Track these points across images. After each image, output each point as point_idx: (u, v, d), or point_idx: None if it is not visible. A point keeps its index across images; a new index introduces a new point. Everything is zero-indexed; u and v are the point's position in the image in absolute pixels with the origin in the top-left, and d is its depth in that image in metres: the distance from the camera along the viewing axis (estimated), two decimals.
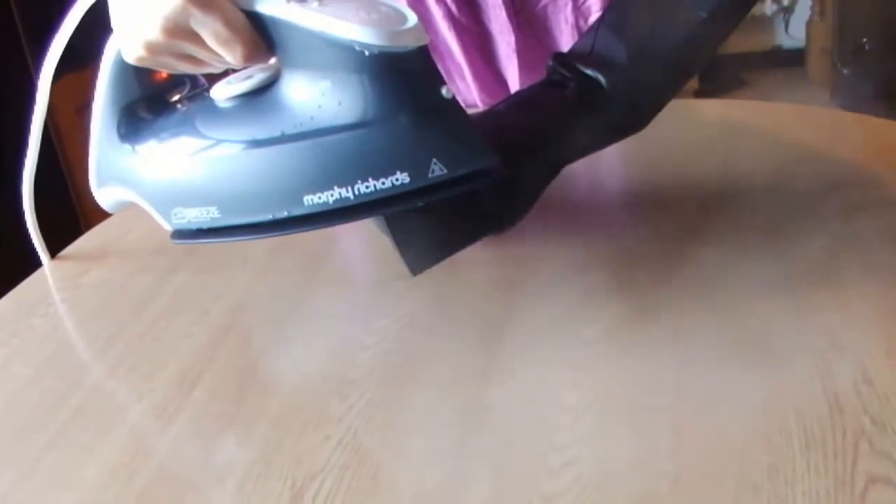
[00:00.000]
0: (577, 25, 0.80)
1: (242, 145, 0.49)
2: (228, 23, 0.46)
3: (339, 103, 0.46)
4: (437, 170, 0.46)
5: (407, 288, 0.57)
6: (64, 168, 1.65)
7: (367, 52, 0.44)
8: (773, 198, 0.64)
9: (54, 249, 0.68)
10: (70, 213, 1.64)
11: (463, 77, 0.84)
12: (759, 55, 2.42)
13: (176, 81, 0.56)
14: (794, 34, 2.47)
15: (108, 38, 0.52)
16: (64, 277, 0.66)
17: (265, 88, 0.49)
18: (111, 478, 0.45)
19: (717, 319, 0.51)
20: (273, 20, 0.46)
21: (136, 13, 0.47)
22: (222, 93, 0.51)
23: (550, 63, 0.60)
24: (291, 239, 0.51)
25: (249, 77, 0.50)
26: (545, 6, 0.81)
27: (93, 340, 0.58)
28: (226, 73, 0.52)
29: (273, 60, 0.49)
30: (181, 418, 0.49)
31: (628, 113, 0.59)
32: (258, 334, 0.56)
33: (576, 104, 0.58)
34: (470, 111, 0.54)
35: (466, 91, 0.85)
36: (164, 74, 0.55)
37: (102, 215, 0.64)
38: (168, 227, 0.53)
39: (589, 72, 0.58)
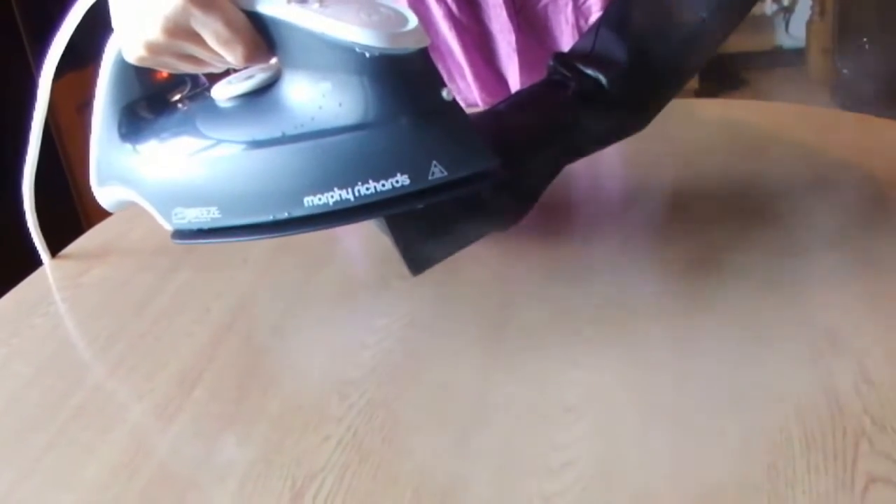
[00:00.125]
0: (577, 25, 0.80)
1: (243, 146, 0.49)
2: (229, 23, 0.46)
3: (340, 104, 0.46)
4: (437, 172, 0.46)
5: (407, 287, 0.58)
6: (65, 167, 1.64)
7: (367, 54, 0.44)
8: (773, 197, 0.64)
9: (55, 248, 0.68)
10: (71, 211, 1.64)
11: (463, 77, 0.84)
12: (759, 55, 2.42)
13: (177, 81, 0.56)
14: (794, 34, 2.47)
15: (108, 37, 0.52)
16: (64, 276, 0.66)
17: (266, 89, 0.49)
18: (112, 477, 0.45)
19: (717, 319, 0.51)
20: (274, 21, 0.46)
21: (136, 13, 0.47)
22: (223, 93, 0.51)
23: (551, 63, 0.60)
24: (292, 239, 0.51)
25: (250, 77, 0.50)
26: (546, 6, 0.81)
27: (93, 340, 0.58)
28: (226, 73, 0.52)
29: (274, 60, 0.49)
30: (182, 418, 0.49)
31: (629, 113, 0.59)
32: (259, 334, 0.56)
33: (576, 104, 0.58)
34: (470, 111, 0.54)
35: (467, 90, 0.85)
36: (164, 74, 0.55)
37: (103, 214, 0.64)
38: (168, 227, 0.53)
39: (589, 71, 0.58)
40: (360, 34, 0.44)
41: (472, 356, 0.51)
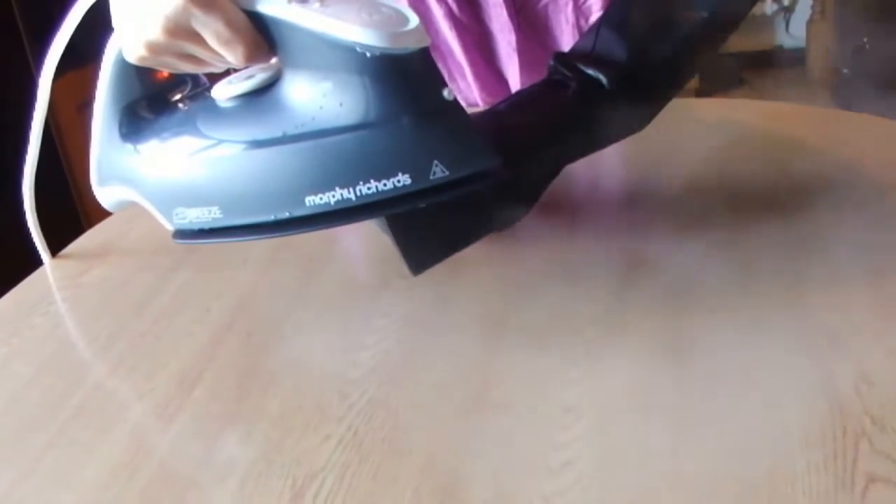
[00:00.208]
0: (577, 25, 0.80)
1: (244, 145, 0.49)
2: (230, 23, 0.46)
3: (341, 104, 0.46)
4: (438, 171, 0.46)
5: (407, 287, 0.58)
6: (65, 166, 1.64)
7: (368, 54, 0.44)
8: (774, 197, 0.64)
9: (55, 248, 0.68)
10: (71, 211, 1.64)
11: (464, 76, 0.84)
12: (759, 55, 2.43)
13: (177, 81, 0.56)
14: (794, 34, 2.47)
15: (108, 36, 0.52)
16: (65, 276, 0.66)
17: (266, 88, 0.49)
18: (112, 477, 0.45)
19: (717, 319, 0.51)
20: (274, 20, 0.46)
21: (137, 13, 0.47)
22: (223, 92, 0.51)
23: (551, 63, 0.61)
24: (292, 238, 0.51)
25: (250, 77, 0.50)
26: (546, 5, 0.81)
27: (94, 339, 0.58)
28: (227, 73, 0.52)
29: (274, 60, 0.49)
30: (182, 417, 0.49)
31: (629, 112, 0.59)
32: (259, 333, 0.56)
33: (577, 104, 0.58)
34: (470, 110, 0.54)
35: (467, 90, 0.85)
36: (165, 74, 0.55)
37: (103, 214, 0.64)
38: (170, 227, 0.53)
39: (590, 71, 0.58)
40: (361, 34, 0.44)
41: (472, 356, 0.51)
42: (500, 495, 0.41)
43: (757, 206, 0.63)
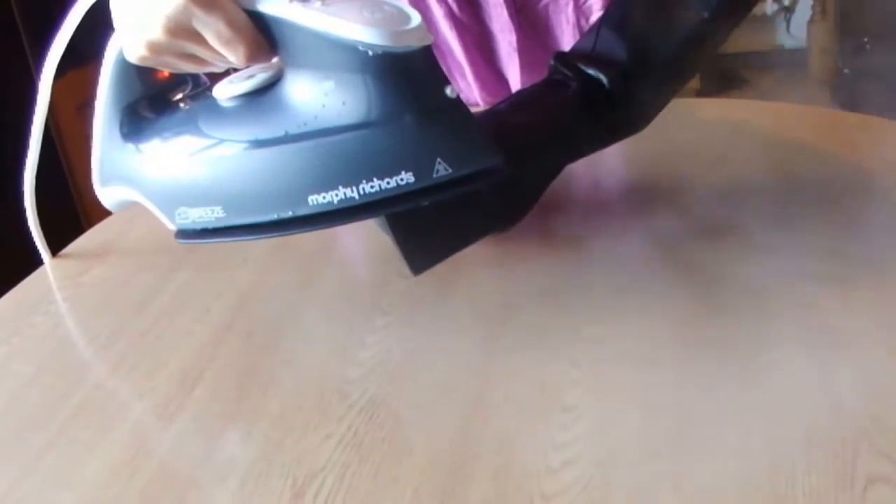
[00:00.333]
0: (578, 25, 0.80)
1: (246, 145, 0.49)
2: (231, 22, 0.46)
3: (343, 103, 0.46)
4: (441, 169, 0.46)
5: (407, 286, 0.58)
6: (65, 166, 1.64)
7: (370, 53, 0.44)
8: (774, 198, 0.64)
9: (55, 247, 0.68)
10: (71, 211, 1.64)
11: (464, 76, 0.84)
12: (760, 55, 2.43)
13: (178, 80, 0.56)
14: (795, 34, 2.47)
15: (109, 36, 0.52)
16: (65, 276, 0.66)
17: (268, 88, 0.49)
18: (112, 476, 0.45)
19: (717, 319, 0.51)
20: (275, 20, 0.46)
21: (138, 12, 0.47)
22: (225, 92, 0.51)
23: (552, 62, 0.61)
24: (292, 238, 0.51)
25: (251, 76, 0.50)
26: (546, 5, 0.81)
27: (94, 339, 0.58)
28: (227, 72, 0.52)
29: (275, 60, 0.49)
30: (182, 417, 0.49)
31: (629, 112, 0.60)
32: (259, 333, 0.56)
33: (577, 104, 0.58)
34: (471, 110, 0.54)
35: (467, 90, 0.85)
36: (165, 73, 0.55)
37: (103, 213, 0.64)
38: (172, 227, 0.53)
39: (590, 71, 0.58)
40: (362, 32, 0.44)
41: (472, 356, 0.51)
42: (500, 495, 0.41)
43: (757, 205, 0.63)
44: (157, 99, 0.56)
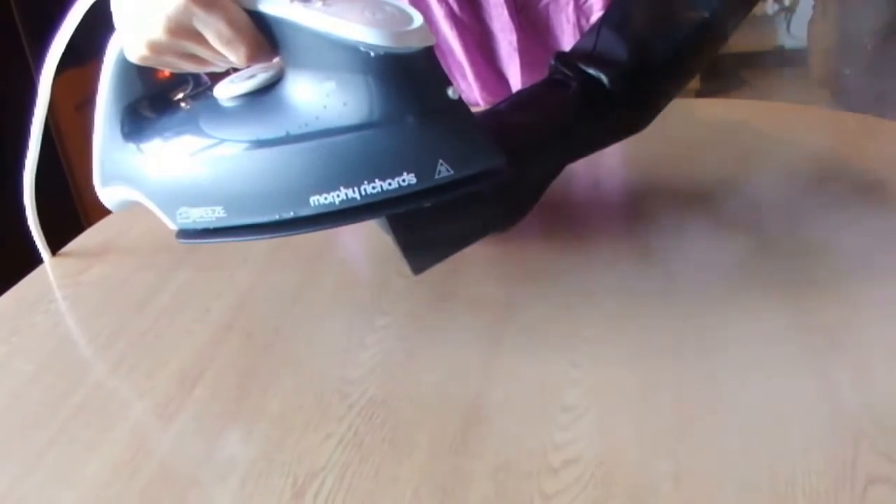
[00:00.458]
0: (578, 24, 0.80)
1: (247, 145, 0.49)
2: (231, 22, 0.46)
3: (345, 104, 0.46)
4: (443, 170, 0.46)
5: (408, 286, 0.58)
6: (64, 164, 1.64)
7: (372, 53, 0.44)
8: (774, 198, 0.64)
9: (55, 246, 0.68)
10: (71, 209, 1.64)
11: (464, 76, 0.84)
12: (760, 55, 2.42)
13: (179, 80, 0.56)
14: (795, 34, 2.47)
15: (108, 35, 0.52)
16: (65, 274, 0.66)
17: (269, 88, 0.49)
18: (113, 475, 0.45)
19: (717, 319, 0.51)
20: (276, 20, 0.46)
21: (138, 12, 0.47)
22: (225, 92, 0.51)
23: (552, 62, 0.61)
24: (292, 238, 0.51)
25: (252, 76, 0.50)
26: (547, 5, 0.81)
27: (94, 338, 0.58)
28: (228, 72, 0.52)
29: (276, 59, 0.49)
30: (183, 416, 0.49)
31: (630, 112, 0.60)
32: (259, 333, 0.56)
33: (577, 104, 0.58)
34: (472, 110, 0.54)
35: (468, 90, 0.85)
36: (166, 73, 0.55)
37: (103, 212, 0.64)
38: (173, 227, 0.53)
39: (591, 71, 0.58)
40: (364, 33, 0.44)
41: (472, 356, 0.51)
42: (500, 495, 0.41)
43: (757, 206, 0.63)
44: (157, 98, 0.56)
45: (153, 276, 0.63)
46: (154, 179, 0.53)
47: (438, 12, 0.80)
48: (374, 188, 0.46)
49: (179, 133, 0.52)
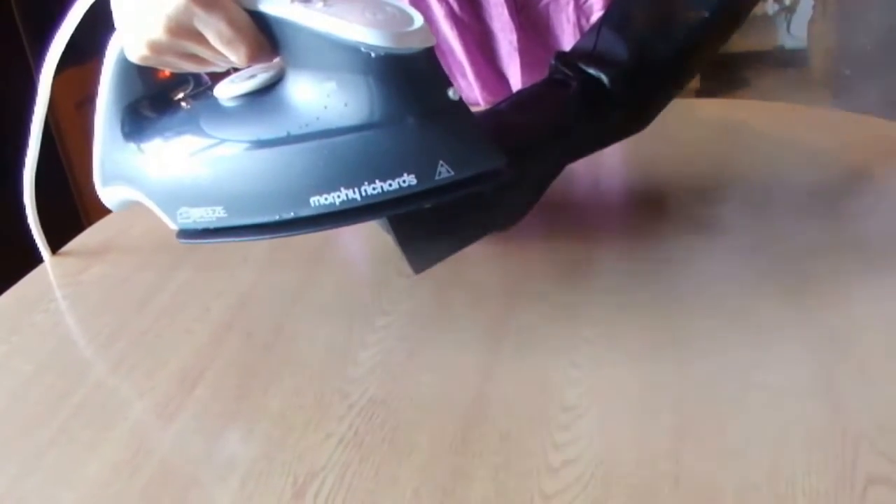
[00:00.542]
0: (578, 24, 0.80)
1: (247, 145, 0.49)
2: (232, 22, 0.46)
3: (345, 104, 0.46)
4: (443, 171, 0.46)
5: (408, 286, 0.58)
6: (64, 163, 1.64)
7: (372, 54, 0.44)
8: (774, 198, 0.64)
9: (55, 245, 0.68)
10: (71, 208, 1.64)
11: (465, 75, 0.84)
12: (760, 55, 2.42)
13: (179, 80, 0.56)
14: (796, 34, 2.47)
15: (109, 33, 0.52)
16: (65, 274, 0.66)
17: (269, 88, 0.49)
18: (113, 475, 0.45)
19: (717, 319, 0.52)
20: (277, 20, 0.46)
21: (138, 12, 0.47)
22: (226, 92, 0.51)
23: (553, 62, 0.61)
24: (293, 237, 0.51)
25: (253, 76, 0.50)
26: (547, 5, 0.81)
27: (94, 337, 0.58)
28: (229, 72, 0.52)
29: (277, 59, 0.49)
30: (183, 416, 0.49)
31: (630, 112, 0.60)
32: (259, 332, 0.56)
33: (578, 103, 0.58)
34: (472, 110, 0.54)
35: (468, 90, 0.85)
36: (167, 73, 0.55)
37: (103, 211, 0.64)
38: (173, 227, 0.53)
39: (591, 71, 0.58)
40: (365, 34, 0.44)
41: (473, 355, 0.51)
42: (500, 495, 0.41)
43: (757, 206, 0.63)
44: (158, 98, 0.56)
45: (153, 275, 0.63)
46: (154, 179, 0.53)
47: (439, 12, 0.80)
48: (374, 189, 0.46)
49: (180, 133, 0.52)
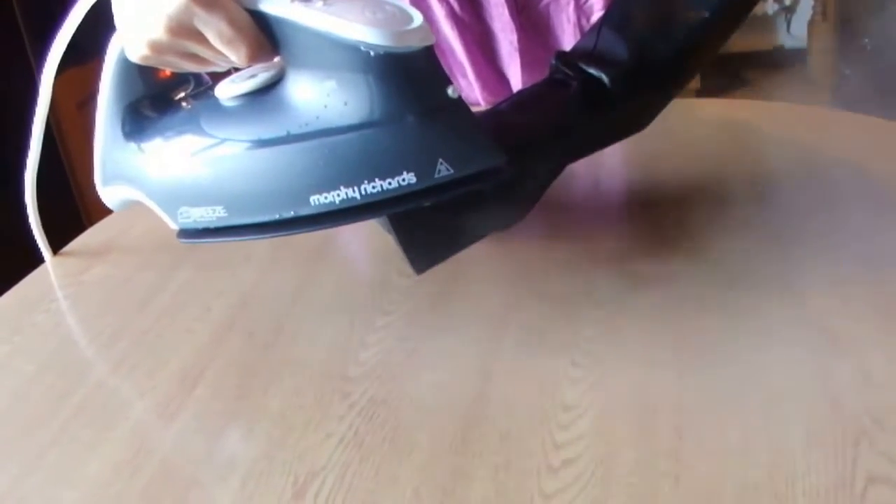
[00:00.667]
0: (579, 24, 0.81)
1: (248, 144, 0.49)
2: (232, 22, 0.46)
3: (345, 103, 0.46)
4: (443, 170, 0.46)
5: (408, 286, 0.58)
6: (66, 163, 1.64)
7: (372, 53, 0.44)
8: (774, 197, 0.64)
9: (57, 245, 0.68)
10: (72, 208, 1.64)
11: (465, 75, 0.84)
12: (760, 55, 2.42)
13: (180, 79, 0.56)
14: (795, 34, 2.47)
15: (109, 34, 0.52)
16: (66, 274, 0.66)
17: (270, 87, 0.49)
18: (114, 474, 0.45)
19: (717, 319, 0.52)
20: (277, 20, 0.46)
21: (139, 12, 0.47)
22: (226, 91, 0.51)
23: (553, 62, 0.61)
24: (293, 237, 0.51)
25: (253, 76, 0.50)
26: (548, 5, 0.81)
27: (95, 337, 0.58)
28: (229, 72, 0.52)
29: (277, 59, 0.49)
30: (184, 415, 0.49)
31: (630, 112, 0.60)
32: (260, 332, 0.56)
33: (578, 103, 0.58)
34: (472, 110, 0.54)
35: (468, 89, 0.85)
36: (167, 72, 0.55)
37: (105, 211, 0.64)
38: (174, 226, 0.53)
39: (591, 71, 0.58)
40: (364, 32, 0.44)
41: (473, 355, 0.51)
42: (500, 495, 0.41)
43: (757, 206, 0.63)
44: (158, 98, 0.56)
45: (154, 275, 0.63)
46: (155, 179, 0.54)
47: (439, 12, 0.80)
48: (374, 187, 0.46)
49: (180, 132, 0.52)
